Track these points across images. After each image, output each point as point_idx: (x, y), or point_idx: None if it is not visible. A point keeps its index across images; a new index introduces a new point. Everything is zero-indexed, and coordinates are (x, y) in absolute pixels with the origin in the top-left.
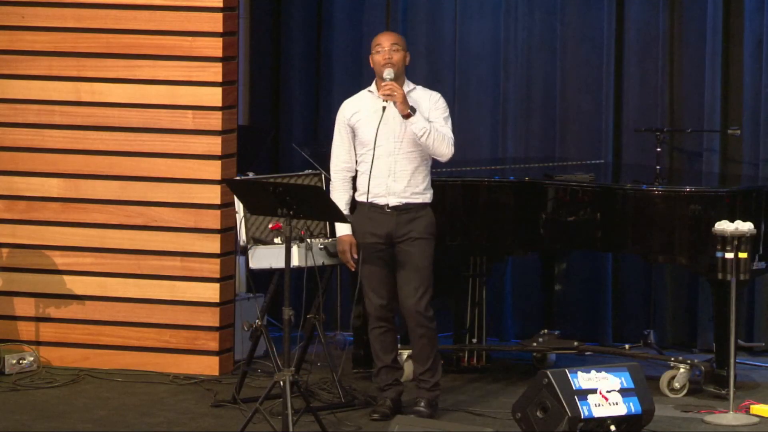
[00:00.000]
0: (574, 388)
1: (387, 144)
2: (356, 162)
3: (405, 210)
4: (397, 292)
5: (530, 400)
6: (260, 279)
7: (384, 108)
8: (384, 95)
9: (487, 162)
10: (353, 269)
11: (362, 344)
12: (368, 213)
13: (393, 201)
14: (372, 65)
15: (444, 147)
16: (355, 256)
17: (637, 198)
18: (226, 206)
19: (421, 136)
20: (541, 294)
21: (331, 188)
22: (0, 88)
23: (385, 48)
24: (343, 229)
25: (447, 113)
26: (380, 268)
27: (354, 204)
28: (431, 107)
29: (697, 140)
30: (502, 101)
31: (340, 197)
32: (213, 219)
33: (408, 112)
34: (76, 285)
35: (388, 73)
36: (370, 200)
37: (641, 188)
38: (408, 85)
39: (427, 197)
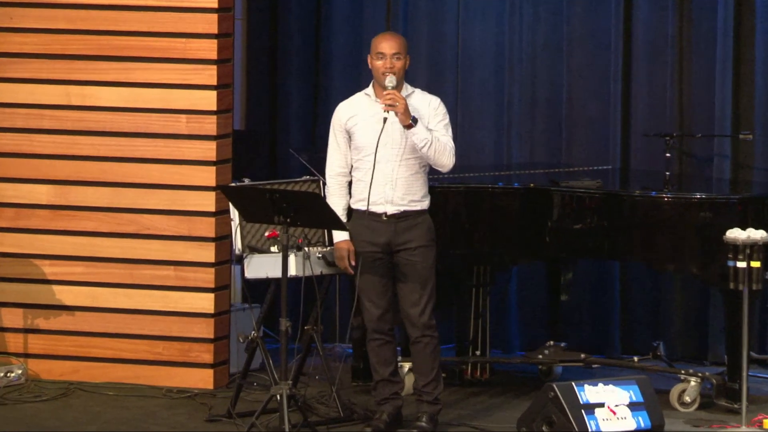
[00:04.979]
0: (581, 401)
1: (386, 152)
2: (351, 167)
3: (403, 218)
4: (399, 302)
5: (536, 415)
6: (256, 289)
7: (385, 119)
8: (386, 104)
9: (491, 168)
10: (352, 273)
11: (361, 356)
12: (366, 221)
13: (391, 209)
14: (370, 67)
15: (445, 157)
16: (353, 263)
17: (645, 205)
18: (221, 213)
19: (422, 147)
20: (547, 304)
21: (327, 193)
22: None
23: (387, 55)
24: (340, 236)
25: (447, 120)
26: (379, 278)
27: (350, 211)
28: (431, 114)
29: (707, 145)
30: (506, 105)
31: (337, 202)
32: (207, 227)
33: (409, 122)
34: (66, 295)
35: (390, 80)
36: (368, 208)
37: (650, 195)
38: (406, 89)
39: (425, 204)
